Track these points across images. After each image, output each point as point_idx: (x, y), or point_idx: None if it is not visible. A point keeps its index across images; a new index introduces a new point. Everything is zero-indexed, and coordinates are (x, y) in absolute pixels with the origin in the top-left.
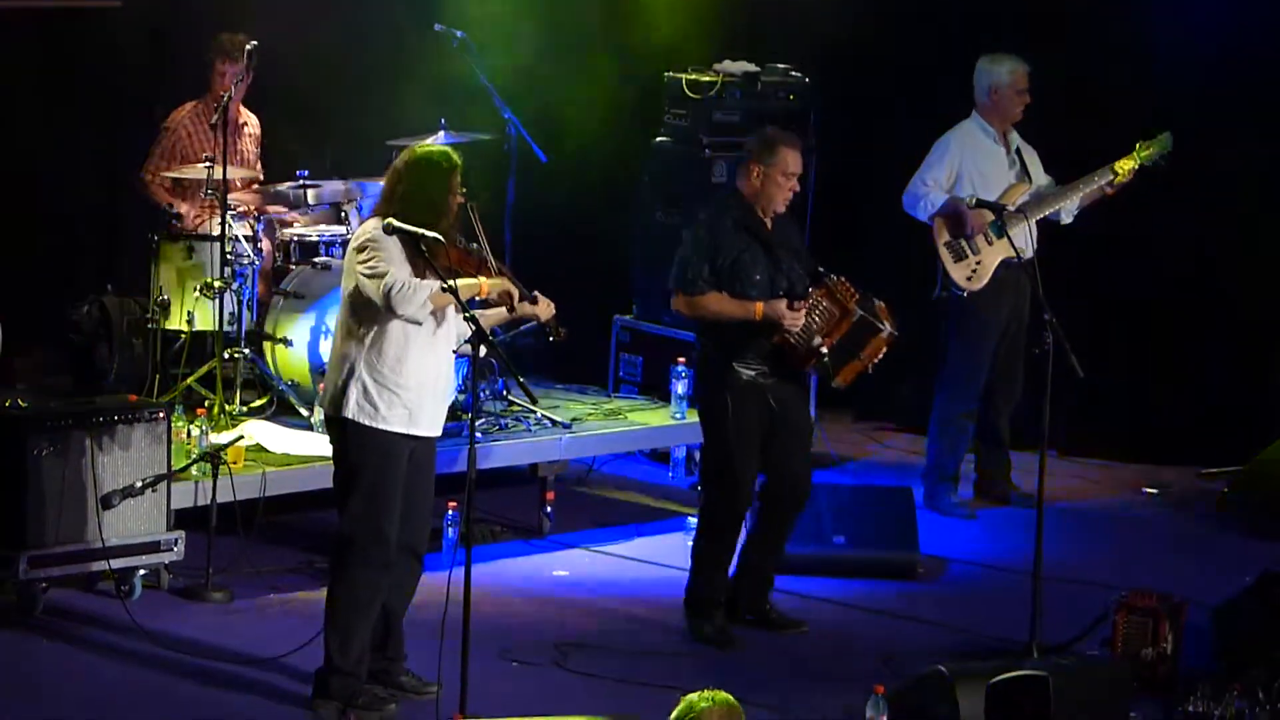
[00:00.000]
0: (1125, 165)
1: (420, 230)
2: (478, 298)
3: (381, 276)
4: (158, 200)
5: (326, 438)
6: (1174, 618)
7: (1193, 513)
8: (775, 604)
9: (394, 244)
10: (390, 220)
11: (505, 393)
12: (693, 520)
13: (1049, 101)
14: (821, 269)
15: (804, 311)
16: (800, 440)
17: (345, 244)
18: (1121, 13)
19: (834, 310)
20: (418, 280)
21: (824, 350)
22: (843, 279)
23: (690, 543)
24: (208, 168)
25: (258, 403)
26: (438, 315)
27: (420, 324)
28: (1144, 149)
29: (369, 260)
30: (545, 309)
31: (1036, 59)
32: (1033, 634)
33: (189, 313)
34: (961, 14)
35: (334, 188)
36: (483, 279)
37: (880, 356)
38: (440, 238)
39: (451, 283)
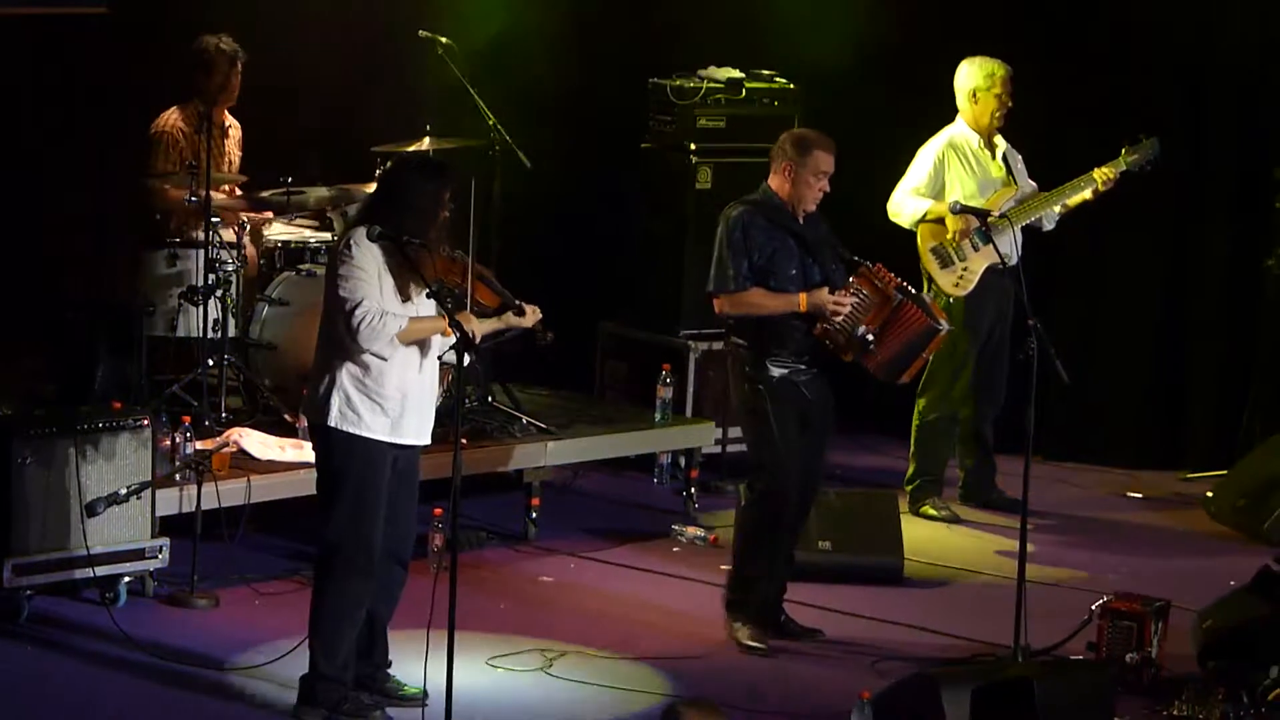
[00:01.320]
0: (1109, 171)
1: (406, 238)
2: (442, 335)
3: (355, 307)
4: (172, 204)
5: (310, 444)
6: (1159, 621)
7: (1176, 517)
8: (788, 612)
9: (375, 256)
10: (377, 226)
11: (490, 399)
12: (677, 527)
13: (1035, 106)
14: (856, 258)
15: (847, 298)
16: (823, 440)
17: (331, 250)
18: (1109, 17)
19: (875, 297)
20: (389, 313)
21: (870, 339)
22: (879, 266)
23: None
24: (191, 172)
25: (242, 409)
26: (418, 343)
27: (368, 365)
28: (1129, 154)
29: (345, 280)
30: (531, 317)
31: (1024, 64)
32: (1017, 638)
33: (174, 319)
34: (948, 18)
35: (319, 194)
36: (444, 321)
37: (937, 349)
38: (426, 245)
39: (417, 315)
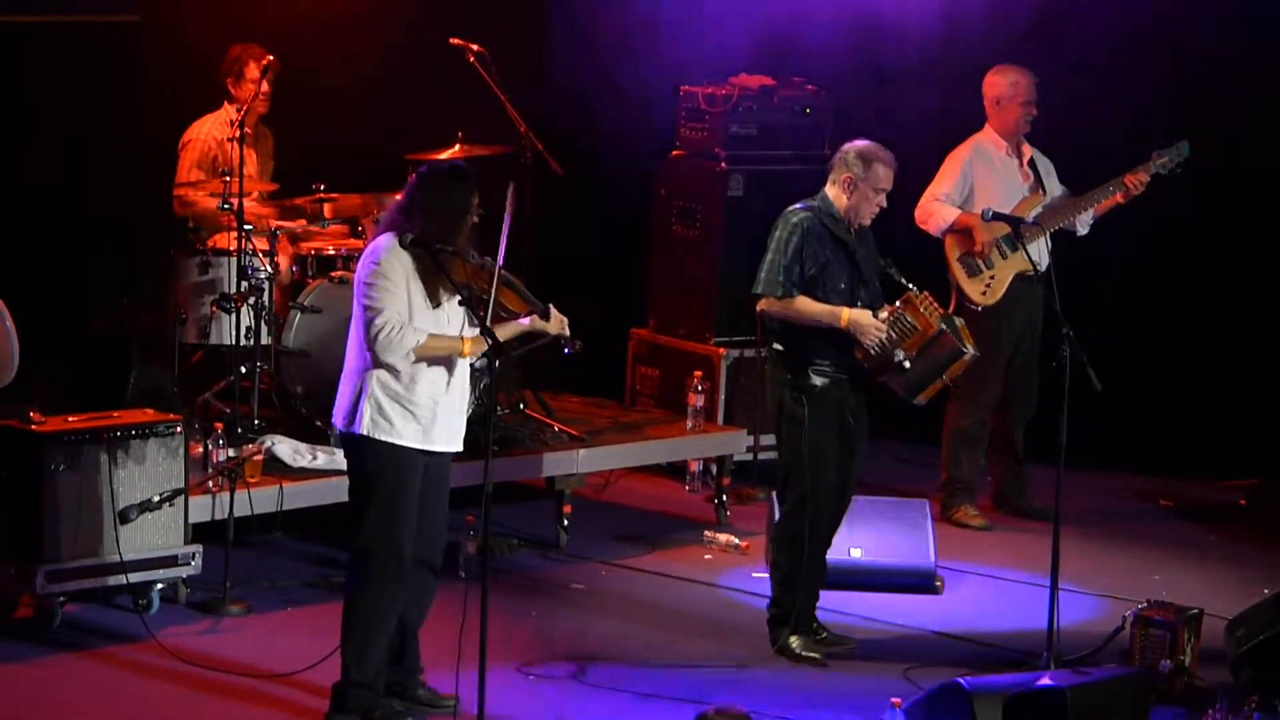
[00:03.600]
0: (1140, 175)
1: (438, 245)
2: (460, 356)
3: (375, 316)
4: (203, 212)
5: (341, 451)
6: (1191, 630)
7: (1209, 525)
8: (819, 619)
9: (404, 264)
10: (409, 234)
11: (521, 407)
12: (708, 534)
13: (1061, 110)
14: (904, 281)
15: (886, 325)
16: (856, 451)
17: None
18: (1134, 18)
19: (916, 324)
20: (408, 326)
21: (906, 364)
22: (925, 293)
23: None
24: (224, 180)
25: (274, 416)
26: (435, 360)
27: (399, 372)
28: (1159, 157)
29: (371, 288)
30: (556, 324)
31: (1052, 69)
32: (1050, 646)
33: (206, 327)
34: (977, 26)
35: (350, 201)
36: (467, 343)
37: (959, 373)
38: (455, 251)
39: (439, 333)
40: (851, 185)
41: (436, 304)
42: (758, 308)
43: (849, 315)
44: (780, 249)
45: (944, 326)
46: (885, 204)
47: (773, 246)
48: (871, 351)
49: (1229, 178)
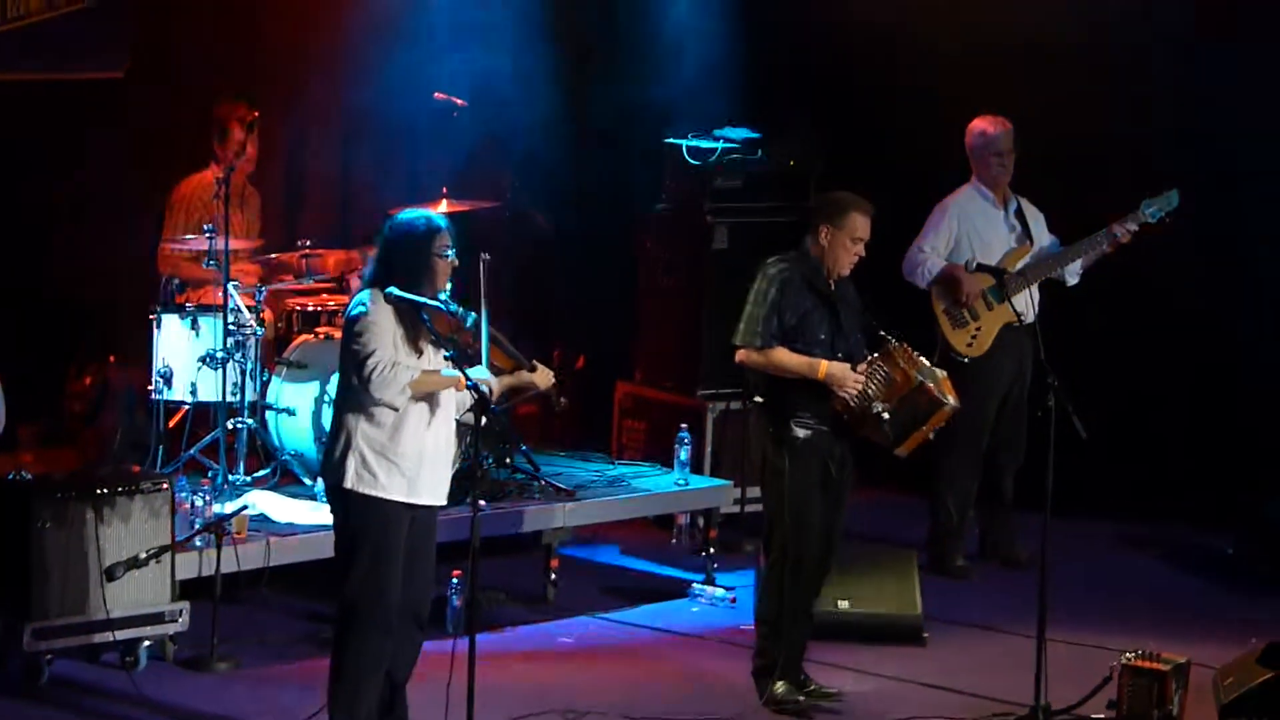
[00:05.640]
0: (1126, 225)
1: (418, 299)
2: (456, 390)
3: (367, 357)
4: (188, 269)
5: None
6: (1179, 679)
7: (1196, 573)
8: (808, 671)
9: (387, 314)
10: (393, 288)
11: (507, 461)
12: (698, 587)
13: (1052, 160)
14: (883, 332)
15: (864, 378)
16: (842, 501)
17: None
18: (1125, 67)
19: (894, 376)
20: (401, 364)
21: (884, 415)
22: (904, 345)
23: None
24: (209, 238)
25: (261, 473)
26: (430, 398)
27: (383, 425)
28: (1148, 206)
29: (360, 335)
30: (544, 378)
31: (1040, 120)
32: (1038, 696)
33: (191, 383)
34: (963, 77)
35: (335, 257)
36: (460, 375)
37: (941, 425)
38: (437, 304)
39: (431, 369)
40: (828, 236)
41: (419, 353)
42: (736, 358)
43: (827, 367)
44: (759, 300)
45: (922, 378)
46: (863, 253)
47: (751, 298)
48: (850, 403)
49: (1220, 223)
